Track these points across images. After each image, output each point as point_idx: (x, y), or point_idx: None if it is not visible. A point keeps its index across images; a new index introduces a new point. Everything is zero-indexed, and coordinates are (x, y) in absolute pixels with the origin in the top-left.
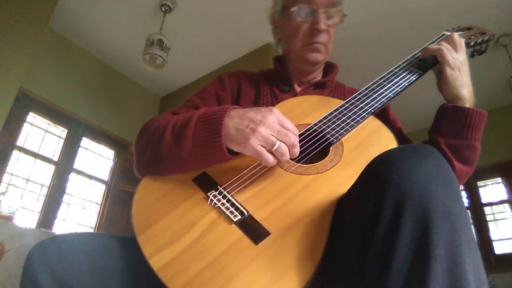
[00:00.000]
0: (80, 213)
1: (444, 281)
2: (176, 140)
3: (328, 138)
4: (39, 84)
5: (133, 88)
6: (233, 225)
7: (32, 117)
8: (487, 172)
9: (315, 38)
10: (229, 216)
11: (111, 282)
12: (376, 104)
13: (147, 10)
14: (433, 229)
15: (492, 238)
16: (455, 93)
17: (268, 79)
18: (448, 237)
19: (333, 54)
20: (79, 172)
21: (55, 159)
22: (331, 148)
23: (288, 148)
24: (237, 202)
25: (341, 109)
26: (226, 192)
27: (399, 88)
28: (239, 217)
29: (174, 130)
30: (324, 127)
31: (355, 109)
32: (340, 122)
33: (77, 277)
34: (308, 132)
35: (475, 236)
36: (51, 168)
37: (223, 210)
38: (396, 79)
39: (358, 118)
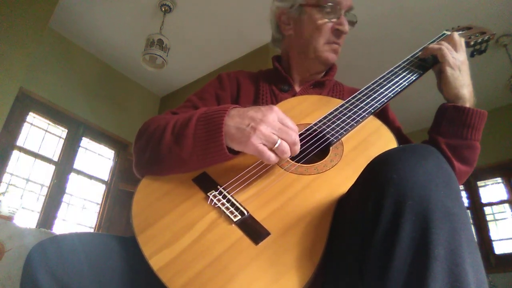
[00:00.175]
0: (80, 213)
1: (444, 281)
2: (176, 140)
3: (328, 138)
4: (39, 84)
5: (133, 88)
6: (233, 225)
7: (32, 117)
8: (487, 172)
9: (337, 38)
10: (229, 216)
11: (111, 282)
12: (376, 104)
13: (147, 10)
14: (433, 229)
15: (492, 238)
16: (455, 93)
17: (268, 78)
18: (448, 237)
19: None
20: (79, 172)
21: (55, 159)
22: (331, 148)
23: (289, 146)
24: (237, 202)
25: (341, 109)
26: (226, 192)
27: (399, 88)
28: (239, 217)
29: (174, 130)
30: (324, 127)
31: (355, 109)
32: (340, 122)
33: (77, 277)
34: (308, 132)
35: (475, 236)
36: (51, 168)
37: (223, 210)
38: (396, 79)
39: (358, 118)
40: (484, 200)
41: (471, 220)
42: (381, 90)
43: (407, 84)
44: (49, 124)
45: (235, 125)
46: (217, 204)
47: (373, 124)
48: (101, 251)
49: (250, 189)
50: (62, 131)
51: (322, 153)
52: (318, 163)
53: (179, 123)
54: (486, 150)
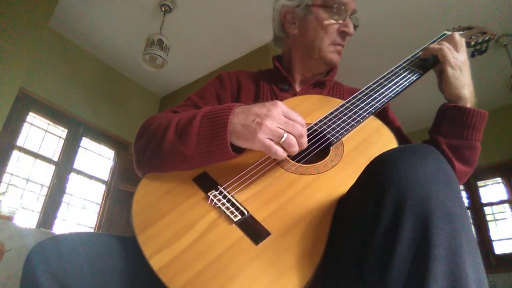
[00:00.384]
0: (80, 213)
1: (444, 281)
2: (179, 138)
3: (329, 138)
4: (39, 84)
5: (133, 88)
6: (233, 225)
7: (32, 117)
8: (487, 172)
9: (342, 40)
10: (229, 216)
11: (111, 282)
12: (377, 104)
13: (147, 10)
14: (433, 229)
15: (492, 238)
16: (456, 93)
17: (268, 78)
18: (448, 237)
19: None
20: (79, 172)
21: (55, 159)
22: (331, 148)
23: (296, 139)
24: (238, 202)
25: (341, 109)
26: (227, 192)
27: (400, 88)
28: (240, 217)
29: (177, 127)
30: (324, 127)
31: (356, 109)
32: (341, 122)
33: (77, 277)
34: (308, 132)
35: (475, 236)
36: (51, 168)
37: (223, 210)
38: (397, 79)
39: (358, 118)
40: (484, 200)
41: (471, 220)
42: (382, 90)
43: (407, 84)
44: (49, 124)
45: (240, 122)
46: (217, 204)
47: (373, 124)
48: (101, 251)
49: (250, 189)
50: (62, 131)
51: (323, 153)
52: (319, 163)
53: (182, 121)
54: (486, 150)
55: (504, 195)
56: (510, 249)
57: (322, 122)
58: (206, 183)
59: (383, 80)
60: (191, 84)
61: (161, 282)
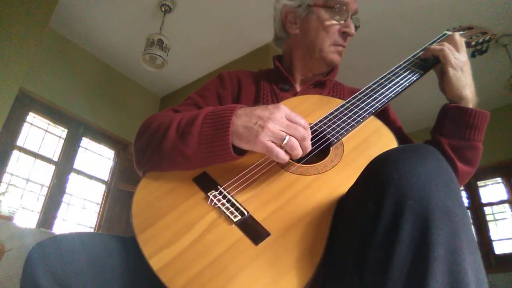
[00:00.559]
0: (80, 213)
1: (444, 281)
2: (181, 137)
3: (329, 138)
4: (39, 84)
5: (133, 88)
6: (233, 225)
7: (32, 117)
8: (487, 172)
9: (343, 41)
10: (229, 217)
11: (111, 282)
12: (377, 104)
13: (147, 10)
14: (433, 229)
15: (492, 238)
16: (457, 94)
17: (268, 78)
18: (448, 237)
19: None
20: (79, 172)
21: (55, 159)
22: (331, 148)
23: (299, 142)
24: (237, 202)
25: (341, 109)
26: (226, 192)
27: (400, 88)
28: (239, 217)
29: (179, 127)
30: (324, 127)
31: (356, 109)
32: (341, 122)
33: (77, 276)
34: None
35: (475, 236)
36: (51, 168)
37: (223, 210)
38: (397, 79)
39: (358, 118)
40: (484, 200)
41: (471, 220)
42: (382, 90)
43: (408, 84)
44: (49, 124)
45: (243, 124)
46: (217, 204)
47: (373, 124)
48: (101, 251)
49: (250, 189)
50: (62, 131)
51: (323, 153)
52: (319, 163)
53: (184, 120)
54: (486, 150)
55: (504, 195)
56: (510, 249)
57: (322, 122)
58: (206, 183)
59: (383, 80)
60: (191, 84)
61: (161, 282)
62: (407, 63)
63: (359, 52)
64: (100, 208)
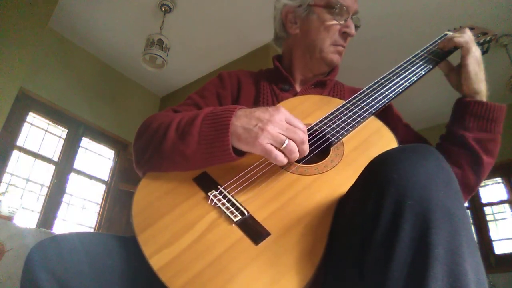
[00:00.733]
0: (80, 213)
1: (444, 281)
2: (180, 137)
3: (329, 138)
4: (39, 84)
5: (133, 88)
6: (233, 225)
7: (32, 117)
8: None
9: (344, 41)
10: (229, 216)
11: (111, 281)
12: (377, 104)
13: (147, 10)
14: (433, 229)
15: (492, 238)
16: (475, 88)
17: (268, 78)
18: (448, 237)
19: None
20: (79, 172)
21: (55, 159)
22: (331, 148)
23: (297, 145)
24: (238, 202)
25: (342, 109)
26: (227, 192)
27: (400, 88)
28: (240, 217)
29: (179, 127)
30: (325, 127)
31: (356, 109)
32: (341, 122)
33: (77, 276)
34: (309, 133)
35: (475, 236)
36: (51, 168)
37: (223, 210)
38: (397, 79)
39: (359, 119)
40: (484, 200)
41: (471, 220)
42: (382, 90)
43: (408, 84)
44: (49, 124)
45: (242, 125)
46: (217, 204)
47: (374, 124)
48: (101, 250)
49: (250, 189)
50: (62, 131)
51: (323, 153)
52: (319, 163)
53: (184, 120)
54: None
55: (504, 195)
56: (510, 249)
57: (323, 123)
58: (206, 183)
59: (383, 80)
60: (191, 84)
61: (161, 282)
62: (408, 63)
63: (359, 53)
64: (100, 208)
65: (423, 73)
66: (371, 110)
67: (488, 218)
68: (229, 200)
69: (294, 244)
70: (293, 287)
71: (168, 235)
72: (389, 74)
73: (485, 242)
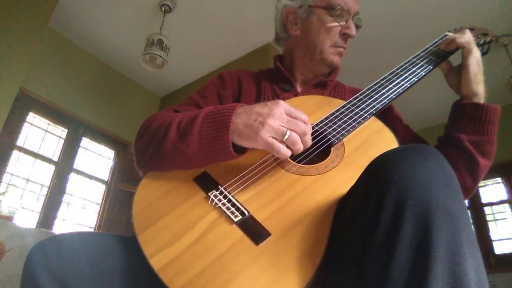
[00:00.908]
0: (80, 213)
1: (445, 281)
2: (181, 137)
3: (330, 139)
4: (39, 84)
5: (133, 88)
6: (233, 225)
7: (32, 117)
8: (487, 172)
9: (344, 42)
10: (229, 216)
11: (111, 281)
12: (378, 105)
13: (147, 10)
14: (434, 229)
15: (492, 238)
16: (474, 89)
17: (269, 78)
18: (449, 237)
19: None
20: (79, 172)
21: (55, 159)
22: (332, 148)
23: (300, 137)
24: (238, 202)
25: (342, 110)
26: (227, 192)
27: (401, 89)
28: (240, 217)
29: (179, 126)
30: (325, 127)
31: (357, 110)
32: (342, 122)
33: (77, 276)
34: None
35: (475, 236)
36: (51, 168)
37: (223, 210)
38: (398, 80)
39: (359, 119)
40: (484, 200)
41: (471, 220)
42: (383, 91)
43: (409, 85)
44: (49, 124)
45: (243, 122)
46: (218, 204)
47: (374, 125)
48: (101, 250)
49: (251, 189)
50: (62, 131)
51: (324, 154)
52: (319, 163)
53: (184, 120)
54: None
55: (504, 195)
56: (510, 249)
57: (323, 123)
58: (207, 183)
59: (384, 80)
60: (191, 84)
61: (162, 282)
62: (408, 64)
63: (359, 53)
64: (100, 208)
65: (423, 73)
66: (371, 110)
67: (488, 218)
68: (229, 200)
69: (294, 245)
70: (293, 287)
71: (168, 235)
72: (389, 74)
73: (485, 242)
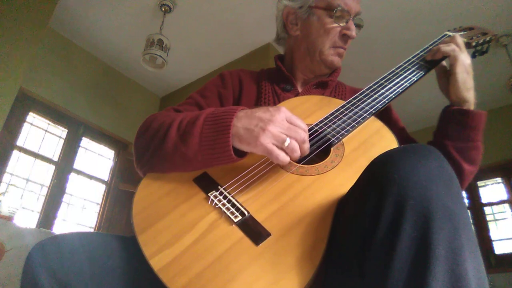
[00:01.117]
0: (80, 213)
1: (445, 281)
2: (182, 138)
3: (329, 139)
4: (39, 84)
5: (133, 88)
6: (233, 225)
7: (32, 117)
8: (487, 172)
9: (344, 43)
10: (229, 217)
11: (111, 281)
12: (377, 105)
13: (147, 10)
14: (434, 228)
15: (492, 238)
16: (462, 96)
17: (270, 78)
18: (449, 237)
19: None
20: (79, 172)
21: (55, 159)
22: (332, 148)
23: (299, 144)
24: (238, 202)
25: (342, 110)
26: (227, 192)
27: (401, 89)
28: (240, 217)
29: (180, 127)
30: (325, 127)
31: (356, 109)
32: (341, 122)
33: (77, 276)
34: (309, 133)
35: (475, 236)
36: (51, 168)
37: (223, 211)
38: (398, 79)
39: (359, 119)
40: (484, 200)
41: (471, 220)
42: (382, 91)
43: (408, 85)
44: (49, 124)
45: (244, 126)
46: (217, 205)
47: (374, 125)
48: (101, 250)
49: (250, 189)
50: (62, 131)
51: (323, 153)
52: (319, 163)
53: (185, 121)
54: (486, 150)
55: (504, 195)
56: (510, 249)
57: (323, 123)
58: (207, 184)
59: (384, 80)
60: (191, 84)
61: (162, 283)
62: (408, 64)
63: (359, 53)
64: (100, 208)
65: (423, 73)
66: (371, 110)
67: (488, 218)
68: (229, 201)
69: (294, 245)
70: (294, 287)
71: (168, 235)
72: (389, 74)
73: (485, 242)
